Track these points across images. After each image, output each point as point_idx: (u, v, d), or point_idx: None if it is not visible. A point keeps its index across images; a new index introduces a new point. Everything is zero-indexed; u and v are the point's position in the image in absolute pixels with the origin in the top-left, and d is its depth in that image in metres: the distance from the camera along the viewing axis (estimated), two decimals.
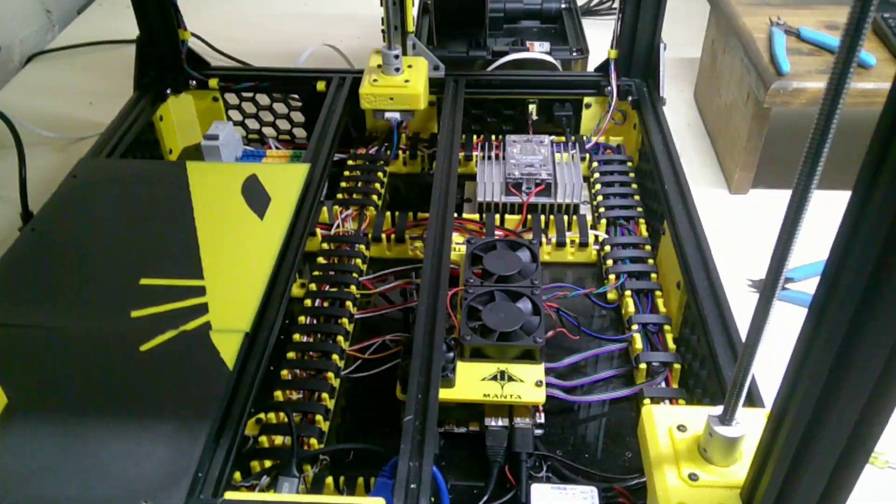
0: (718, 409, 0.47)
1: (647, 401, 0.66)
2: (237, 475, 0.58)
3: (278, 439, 0.63)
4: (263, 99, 1.02)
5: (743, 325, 0.64)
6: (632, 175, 0.91)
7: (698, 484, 0.47)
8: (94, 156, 0.83)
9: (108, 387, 0.56)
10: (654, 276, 0.77)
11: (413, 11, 0.96)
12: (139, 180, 0.78)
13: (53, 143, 1.13)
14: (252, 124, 1.04)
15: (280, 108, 1.03)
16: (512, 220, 0.87)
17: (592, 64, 1.07)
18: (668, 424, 0.50)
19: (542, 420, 0.65)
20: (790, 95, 0.89)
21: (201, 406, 0.54)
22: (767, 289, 0.40)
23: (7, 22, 1.37)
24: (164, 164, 0.92)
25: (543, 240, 0.83)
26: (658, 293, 0.75)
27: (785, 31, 0.97)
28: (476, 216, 0.87)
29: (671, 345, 0.70)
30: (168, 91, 0.98)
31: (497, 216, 0.86)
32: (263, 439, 0.62)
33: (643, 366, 0.68)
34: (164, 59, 0.98)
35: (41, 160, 1.10)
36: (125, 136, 0.88)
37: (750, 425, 0.47)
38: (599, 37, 1.17)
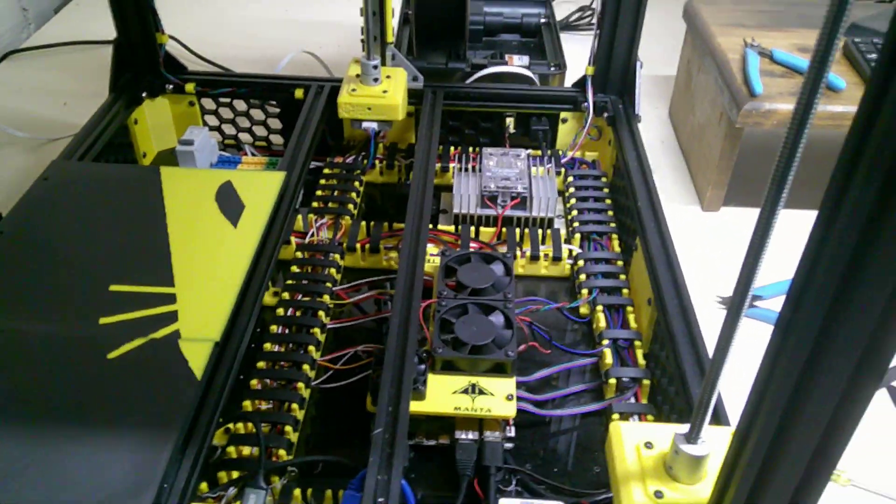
0: (685, 428, 0.48)
1: (615, 416, 0.67)
2: (203, 486, 0.58)
3: (246, 450, 0.62)
4: (240, 105, 1.02)
5: (712, 343, 0.65)
6: (606, 191, 0.92)
7: (664, 501, 0.48)
8: (66, 158, 0.82)
9: (74, 394, 0.55)
10: (625, 291, 0.78)
11: (393, 22, 0.97)
12: (112, 184, 0.77)
13: (25, 143, 1.11)
14: (228, 130, 1.04)
15: (257, 114, 1.02)
16: (487, 232, 0.87)
17: (570, 78, 1.08)
18: (635, 441, 0.51)
19: (513, 434, 0.65)
20: (762, 116, 0.90)
21: (168, 416, 0.54)
22: (734, 307, 0.40)
23: None
24: (138, 168, 0.92)
25: (518, 253, 0.83)
26: (629, 309, 0.76)
27: (759, 53, 0.98)
28: (451, 228, 0.88)
29: (641, 361, 0.71)
30: (144, 94, 0.97)
31: (472, 228, 0.87)
32: (231, 450, 0.61)
33: (613, 381, 0.69)
34: (141, 61, 0.97)
35: (12, 161, 1.09)
36: (99, 138, 0.87)
37: (715, 443, 0.48)
38: (577, 52, 1.18)
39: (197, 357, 0.58)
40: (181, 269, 0.67)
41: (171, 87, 0.99)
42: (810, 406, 0.37)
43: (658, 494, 0.48)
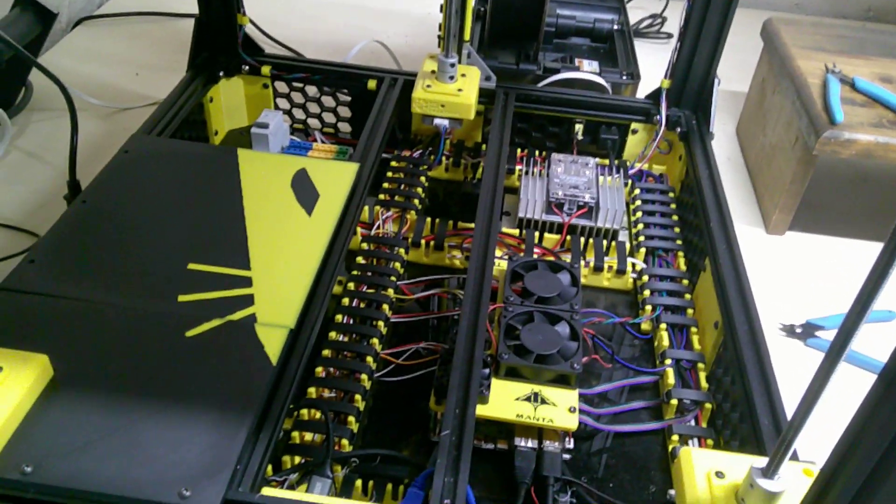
0: (762, 461, 0.48)
1: (675, 437, 0.67)
2: (268, 469, 0.59)
3: (308, 436, 0.63)
4: (312, 90, 1.03)
5: (778, 372, 0.64)
6: (673, 206, 0.91)
7: None
8: (146, 132, 0.84)
9: (153, 369, 0.57)
10: (690, 311, 0.78)
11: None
12: (190, 162, 0.78)
13: (97, 110, 1.14)
14: (298, 114, 1.05)
15: (328, 101, 1.03)
16: (551, 238, 0.87)
17: (642, 86, 1.07)
18: (706, 469, 0.51)
19: (571, 445, 0.65)
20: (841, 145, 0.89)
21: (244, 398, 0.55)
22: (836, 348, 0.40)
23: None
24: (216, 148, 0.93)
25: (581, 263, 0.83)
26: (693, 329, 0.75)
27: (840, 80, 0.97)
28: (515, 231, 0.88)
29: (703, 384, 0.71)
30: (221, 73, 0.98)
31: (536, 234, 0.86)
32: (296, 435, 0.62)
33: (674, 402, 0.69)
34: (220, 41, 0.98)
35: (84, 127, 1.10)
36: (177, 115, 0.88)
37: (791, 479, 0.47)
38: (645, 60, 1.17)
39: (272, 342, 0.59)
40: (257, 253, 0.68)
41: (246, 68, 1.00)
42: None
43: None
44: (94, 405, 0.54)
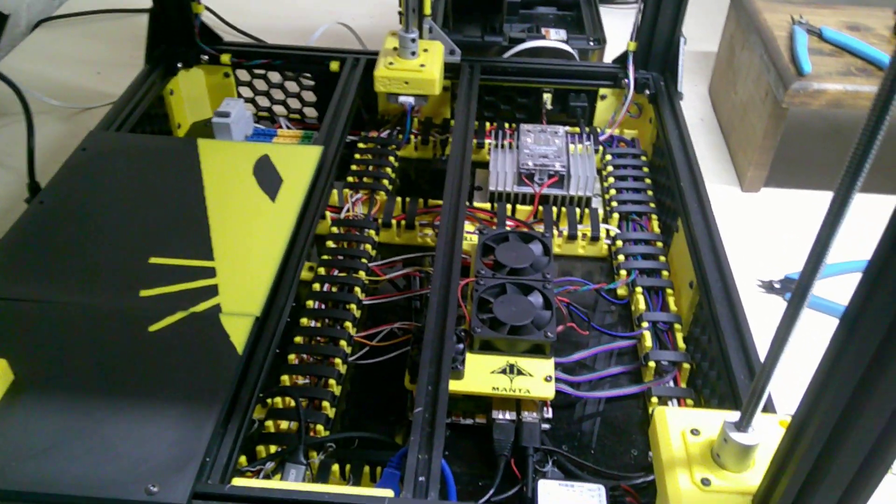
0: (734, 415, 0.47)
1: (654, 400, 0.66)
2: (242, 460, 0.58)
3: (284, 424, 0.63)
4: (275, 77, 1.01)
5: (755, 328, 0.64)
6: (645, 170, 0.90)
7: (710, 489, 0.47)
8: (103, 128, 0.82)
9: (116, 366, 0.56)
10: (665, 273, 0.77)
11: None
12: (150, 156, 0.77)
13: (59, 111, 1.12)
14: (262, 102, 1.03)
15: (291, 86, 1.01)
16: (523, 210, 0.86)
17: (608, 54, 1.06)
18: (681, 427, 0.50)
19: (550, 415, 0.65)
20: (810, 96, 0.88)
21: (210, 390, 0.54)
22: (798, 295, 0.39)
23: None
24: (176, 140, 0.91)
25: (554, 232, 0.82)
26: (669, 291, 0.75)
27: (807, 31, 0.95)
28: (487, 205, 0.87)
29: (681, 344, 0.70)
30: (179, 65, 0.97)
31: (508, 206, 0.85)
32: (269, 424, 0.62)
33: (652, 364, 0.68)
34: (176, 32, 0.96)
35: (47, 129, 1.09)
36: (135, 109, 0.86)
37: (765, 432, 0.47)
38: (614, 26, 1.15)
39: (238, 332, 0.58)
40: (220, 242, 0.66)
41: (206, 57, 0.98)
42: (874, 400, 0.35)
43: (705, 482, 0.47)
44: (57, 406, 0.53)
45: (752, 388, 0.44)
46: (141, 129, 0.87)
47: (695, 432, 0.50)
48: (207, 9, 1.11)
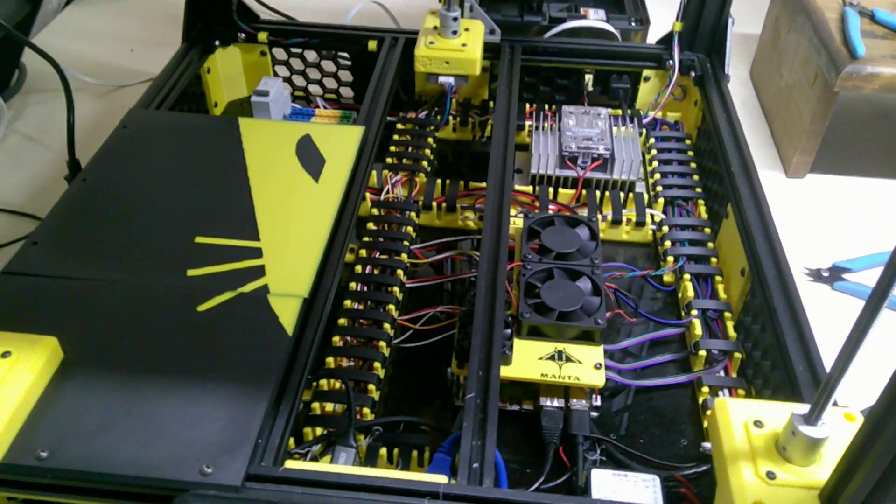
0: (802, 408, 0.46)
1: (705, 389, 0.65)
2: (290, 442, 0.57)
3: (329, 406, 0.62)
4: (311, 55, 1.00)
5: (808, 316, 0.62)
6: (690, 154, 0.88)
7: (776, 483, 0.46)
8: (143, 106, 0.81)
9: (166, 346, 0.55)
10: (714, 260, 0.75)
11: None
12: (191, 134, 0.76)
13: (94, 89, 1.11)
14: (298, 81, 1.02)
15: (328, 65, 1.00)
16: (566, 194, 0.84)
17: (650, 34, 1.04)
18: (743, 419, 0.49)
19: (599, 403, 0.64)
20: (863, 80, 0.85)
21: (261, 371, 0.53)
22: (881, 287, 0.37)
23: None
24: (216, 118, 0.90)
25: (599, 216, 0.80)
26: (718, 278, 0.73)
27: (858, 12, 0.93)
28: (528, 188, 0.85)
29: (731, 333, 0.69)
30: (216, 43, 0.95)
31: (550, 189, 0.84)
32: (316, 406, 0.61)
33: (703, 353, 0.67)
34: (214, 9, 0.95)
35: (82, 106, 1.08)
36: (174, 87, 0.86)
37: (833, 425, 0.45)
38: (652, 3, 1.13)
39: (287, 313, 0.57)
40: (266, 222, 0.66)
41: (242, 36, 0.97)
42: None
43: (770, 475, 0.46)
44: (106, 385, 0.52)
45: (826, 380, 0.43)
46: (179, 107, 0.87)
47: (758, 424, 0.48)
48: None
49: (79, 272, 0.60)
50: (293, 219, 0.66)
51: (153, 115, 0.80)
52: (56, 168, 0.95)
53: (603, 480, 0.55)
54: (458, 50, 0.87)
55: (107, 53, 1.20)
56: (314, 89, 1.02)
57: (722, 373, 0.66)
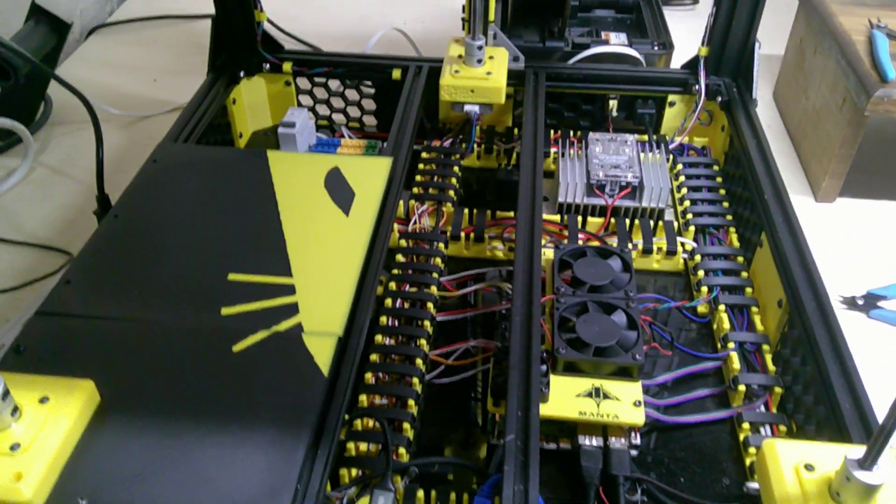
0: (857, 451, 0.45)
1: (745, 425, 0.64)
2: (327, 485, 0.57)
3: (363, 446, 0.61)
4: (334, 84, 1.00)
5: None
6: (719, 180, 0.88)
7: None
8: (171, 139, 0.81)
9: (202, 388, 0.55)
10: (748, 290, 0.74)
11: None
12: (221, 168, 0.76)
13: (118, 119, 1.12)
14: (322, 110, 1.02)
15: (351, 94, 1.00)
16: (594, 222, 0.84)
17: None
18: (793, 462, 0.48)
19: (638, 441, 0.62)
20: (894, 104, 0.84)
21: (298, 413, 0.53)
22: None
23: None
24: (245, 152, 0.90)
25: (629, 246, 0.80)
26: (754, 309, 0.72)
27: (887, 35, 0.92)
28: (555, 217, 0.84)
29: (770, 366, 0.67)
30: (241, 74, 0.96)
31: (579, 218, 0.83)
32: (351, 446, 0.60)
33: (742, 388, 0.65)
34: (239, 40, 0.95)
35: (107, 138, 1.06)
36: (201, 119, 0.86)
37: (890, 470, 0.44)
38: (673, 28, 1.12)
39: (322, 352, 0.57)
40: (297, 258, 0.65)
41: (267, 66, 0.97)
42: None
43: None
44: (144, 430, 0.52)
45: (884, 424, 0.42)
46: (206, 139, 0.87)
47: (809, 468, 0.47)
48: (267, 19, 1.11)
49: (113, 312, 0.60)
50: (325, 254, 0.66)
51: (182, 149, 0.80)
52: (83, 200, 0.95)
53: None
54: (484, 78, 0.87)
55: (130, 83, 1.21)
56: (338, 118, 1.02)
57: (763, 408, 0.65)
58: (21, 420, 0.48)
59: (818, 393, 0.60)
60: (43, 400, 0.50)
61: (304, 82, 1.00)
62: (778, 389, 0.65)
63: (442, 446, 0.66)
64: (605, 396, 0.61)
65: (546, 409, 0.61)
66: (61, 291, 0.62)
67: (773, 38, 1.21)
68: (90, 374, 0.53)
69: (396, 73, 0.96)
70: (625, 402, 0.61)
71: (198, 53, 0.96)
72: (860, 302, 0.82)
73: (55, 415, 0.50)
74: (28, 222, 0.92)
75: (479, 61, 0.88)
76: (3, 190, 0.96)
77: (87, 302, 0.61)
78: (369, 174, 0.75)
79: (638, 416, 0.60)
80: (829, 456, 0.47)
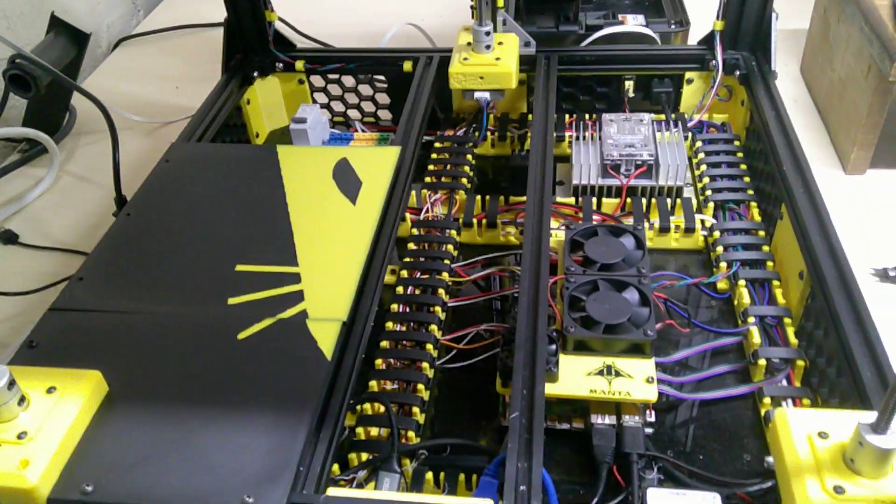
0: (869, 416, 0.42)
1: (767, 400, 0.61)
2: (335, 468, 0.56)
3: (373, 430, 0.61)
4: (348, 81, 1.00)
5: (873, 317, 0.58)
6: (740, 155, 0.85)
7: (845, 497, 0.42)
8: (184, 140, 0.83)
9: (207, 375, 0.55)
10: (770, 264, 0.72)
11: None
12: (231, 164, 0.77)
13: (142, 127, 1.14)
14: (337, 107, 1.03)
15: (365, 89, 1.00)
16: (610, 203, 0.82)
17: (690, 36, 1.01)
18: (806, 431, 0.46)
19: (653, 418, 0.61)
20: None
21: (301, 397, 0.53)
22: None
23: (94, 7, 1.39)
24: (255, 148, 0.92)
25: (645, 225, 0.78)
26: (776, 283, 0.70)
27: None
28: (571, 200, 0.83)
29: (792, 339, 0.65)
30: (255, 74, 0.97)
31: (594, 200, 0.82)
32: (360, 430, 0.60)
33: (763, 362, 0.63)
34: (251, 41, 0.96)
35: (131, 144, 1.11)
36: (214, 120, 0.87)
37: None
38: (690, 5, 1.10)
39: (326, 337, 0.57)
40: (304, 248, 0.65)
41: (280, 65, 0.98)
42: None
43: (838, 490, 0.43)
44: (150, 417, 0.52)
45: (893, 386, 0.40)
46: (221, 139, 0.88)
47: (823, 435, 0.45)
48: (280, 19, 1.12)
49: (122, 305, 0.61)
50: (330, 242, 0.66)
51: (193, 148, 0.81)
52: (106, 206, 0.97)
53: (660, 500, 0.52)
54: (492, 64, 0.86)
55: (153, 92, 1.24)
56: (353, 114, 1.03)
57: (784, 382, 0.63)
58: (28, 409, 0.49)
59: (841, 365, 0.57)
60: (50, 390, 0.51)
61: (318, 80, 1.01)
62: (800, 363, 0.63)
63: (457, 430, 0.65)
64: (617, 374, 0.60)
65: (556, 389, 0.60)
66: (74, 288, 0.63)
67: (798, 11, 1.18)
68: (100, 365, 0.54)
69: (408, 66, 0.96)
70: (637, 379, 0.59)
71: (218, 60, 0.98)
72: (893, 273, 0.79)
73: (62, 404, 0.50)
74: (53, 228, 0.95)
75: (488, 47, 0.88)
76: (31, 199, 0.99)
77: (98, 297, 0.62)
78: (377, 163, 0.75)
79: (650, 393, 0.58)
80: (843, 423, 0.45)
